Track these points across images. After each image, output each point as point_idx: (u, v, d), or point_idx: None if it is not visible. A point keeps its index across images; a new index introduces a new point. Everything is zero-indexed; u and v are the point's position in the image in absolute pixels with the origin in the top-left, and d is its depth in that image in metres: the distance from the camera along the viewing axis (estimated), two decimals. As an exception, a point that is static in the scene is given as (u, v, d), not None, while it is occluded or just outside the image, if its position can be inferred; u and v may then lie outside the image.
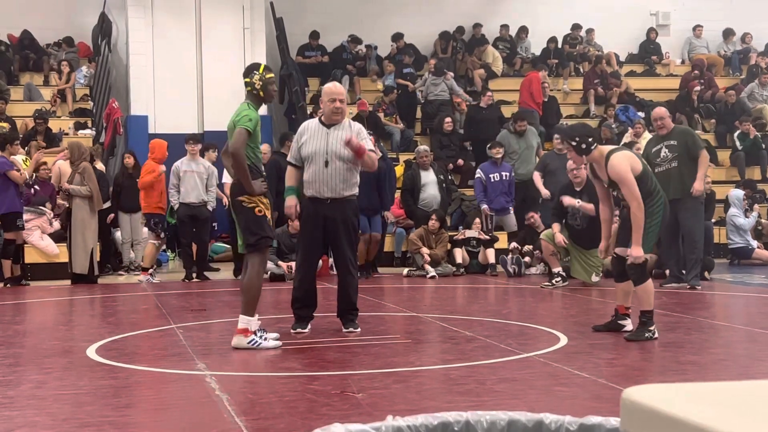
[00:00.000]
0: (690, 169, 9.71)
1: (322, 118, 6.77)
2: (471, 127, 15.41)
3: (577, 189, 10.16)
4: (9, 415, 4.26)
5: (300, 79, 16.24)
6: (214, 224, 13.00)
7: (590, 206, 9.61)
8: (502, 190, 12.31)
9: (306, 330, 6.70)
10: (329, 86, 6.85)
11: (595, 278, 10.09)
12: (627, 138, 15.22)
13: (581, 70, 18.61)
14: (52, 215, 12.28)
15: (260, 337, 6.04)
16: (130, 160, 12.70)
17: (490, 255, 11.94)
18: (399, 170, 13.86)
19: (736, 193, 13.51)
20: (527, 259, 11.68)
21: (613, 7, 19.31)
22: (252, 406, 4.41)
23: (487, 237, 12.12)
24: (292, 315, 6.81)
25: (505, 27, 18.71)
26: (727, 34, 19.89)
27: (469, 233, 12.22)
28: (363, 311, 7.21)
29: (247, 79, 6.23)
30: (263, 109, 6.56)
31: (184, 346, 6.18)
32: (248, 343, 5.96)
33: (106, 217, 12.37)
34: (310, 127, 6.76)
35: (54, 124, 15.09)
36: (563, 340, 6.17)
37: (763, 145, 16.31)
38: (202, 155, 12.02)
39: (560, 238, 10.12)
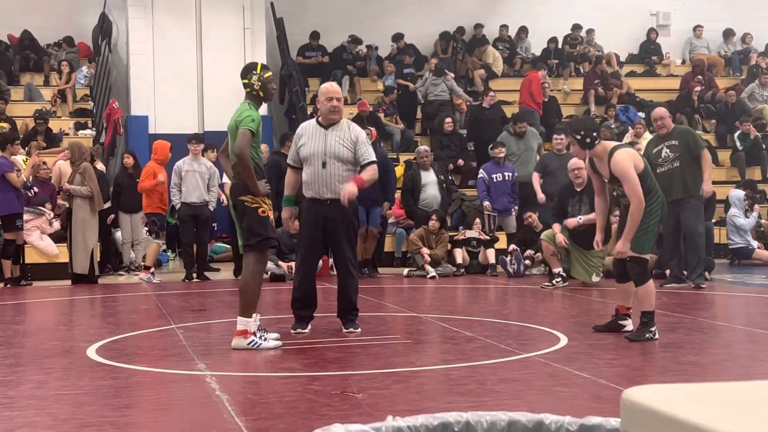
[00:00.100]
0: (692, 169, 9.69)
1: (320, 118, 6.76)
2: (473, 127, 15.42)
3: (578, 189, 10.16)
4: (9, 415, 4.26)
5: (300, 79, 16.24)
6: (213, 224, 13.00)
7: (592, 216, 9.63)
8: (504, 190, 12.30)
9: (306, 330, 6.70)
10: (326, 86, 6.84)
11: (595, 278, 10.09)
12: (627, 138, 15.22)
13: (581, 70, 18.61)
14: (52, 215, 12.28)
15: (260, 337, 6.03)
16: (129, 161, 12.70)
17: (491, 255, 11.94)
18: (399, 170, 13.87)
19: (737, 194, 13.50)
20: (527, 262, 11.67)
21: (613, 7, 19.31)
22: (252, 407, 4.41)
23: (488, 237, 12.12)
24: (292, 315, 6.81)
25: (504, 27, 18.72)
26: (728, 34, 19.89)
27: (469, 233, 12.22)
28: (363, 311, 7.21)
29: (246, 80, 6.22)
30: (263, 110, 6.57)
31: (184, 347, 6.18)
32: (248, 344, 5.95)
33: (106, 218, 12.37)
34: (307, 128, 6.75)
35: (54, 125, 15.10)
36: (563, 341, 6.17)
37: (764, 146, 16.31)
38: (203, 155, 12.02)
39: (561, 238, 10.12)
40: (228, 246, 13.51)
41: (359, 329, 6.69)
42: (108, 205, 12.14)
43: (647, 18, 20.01)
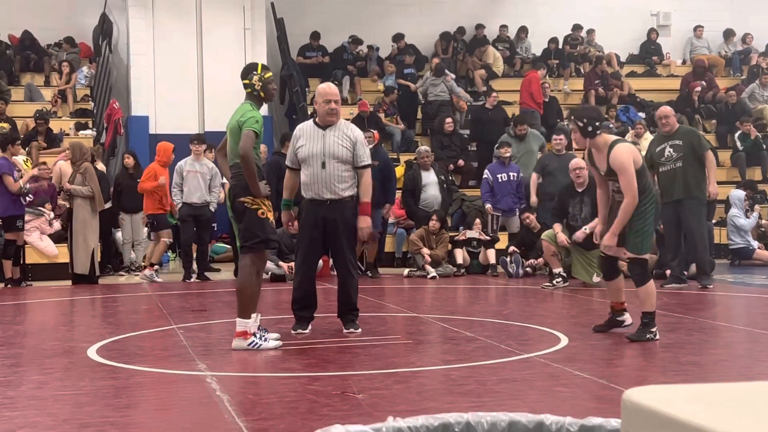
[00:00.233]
0: (694, 170, 9.67)
1: (317, 119, 6.75)
2: (476, 127, 15.43)
3: (579, 190, 10.15)
4: (10, 415, 4.26)
5: (301, 79, 16.24)
6: (213, 225, 13.00)
7: (595, 223, 9.62)
8: (509, 190, 12.28)
9: (306, 331, 6.70)
10: (323, 87, 6.79)
11: (596, 279, 10.08)
12: (628, 138, 15.22)
13: (582, 70, 18.60)
14: (52, 216, 12.28)
15: (260, 337, 6.03)
16: (130, 161, 12.71)
17: (491, 256, 11.94)
18: (400, 171, 13.87)
19: (737, 194, 13.50)
20: (528, 269, 11.65)
21: (613, 7, 19.31)
22: (252, 407, 4.41)
23: (488, 237, 12.12)
24: (292, 316, 6.81)
25: (504, 27, 18.72)
26: (728, 34, 19.88)
27: (469, 234, 12.22)
28: (363, 312, 7.21)
29: (246, 81, 6.22)
30: (263, 110, 6.57)
31: (184, 347, 6.18)
32: (248, 345, 5.95)
33: (107, 218, 12.37)
34: (305, 129, 6.73)
35: (55, 125, 15.10)
36: (564, 341, 6.17)
37: (764, 146, 16.30)
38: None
39: (563, 237, 10.12)
40: (228, 246, 13.51)
41: (360, 329, 6.69)
42: (109, 205, 12.15)
43: (648, 18, 20.01)
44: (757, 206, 13.95)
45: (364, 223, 6.70)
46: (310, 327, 6.76)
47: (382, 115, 15.70)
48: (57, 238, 12.19)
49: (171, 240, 12.07)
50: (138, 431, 4.09)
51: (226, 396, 4.55)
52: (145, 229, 12.83)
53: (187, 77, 15.32)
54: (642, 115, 17.16)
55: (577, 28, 19.02)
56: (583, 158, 9.78)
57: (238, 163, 6.06)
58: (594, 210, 8.80)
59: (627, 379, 4.91)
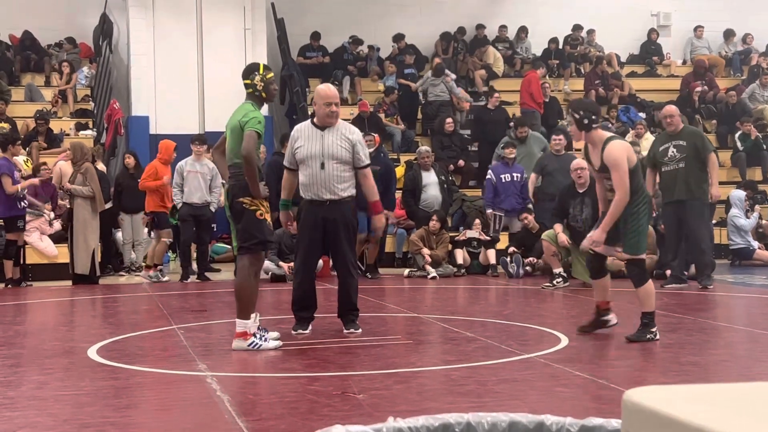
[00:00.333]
0: (697, 172, 9.65)
1: (315, 120, 6.72)
2: (478, 128, 15.44)
3: (580, 191, 10.14)
4: (10, 415, 4.26)
5: (301, 79, 16.25)
6: (213, 225, 13.01)
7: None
8: (513, 191, 12.24)
9: (307, 331, 6.69)
10: (323, 90, 6.73)
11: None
12: (629, 139, 15.21)
13: (582, 70, 18.61)
14: (52, 216, 12.28)
15: (260, 338, 6.03)
16: (130, 161, 12.72)
17: (491, 256, 11.94)
18: (400, 171, 13.86)
19: (737, 194, 13.50)
20: (528, 268, 11.64)
21: (614, 7, 19.31)
22: (253, 407, 4.41)
23: (488, 238, 12.12)
24: (292, 316, 6.81)
25: (504, 28, 18.73)
26: (728, 34, 19.88)
27: (469, 234, 12.22)
28: (364, 312, 7.21)
29: (248, 81, 6.21)
30: (264, 110, 6.57)
31: (185, 347, 6.18)
32: (248, 345, 5.95)
33: (109, 218, 12.37)
34: (303, 130, 6.70)
35: (55, 125, 15.10)
36: (564, 341, 6.16)
37: (764, 146, 16.30)
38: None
39: (563, 238, 10.12)
40: (229, 246, 13.52)
41: (360, 330, 6.69)
42: (109, 205, 12.16)
43: (648, 18, 20.01)
44: (757, 206, 13.95)
45: (380, 222, 6.81)
46: (310, 327, 6.76)
47: (382, 116, 15.70)
48: (57, 238, 12.19)
49: (171, 240, 12.08)
50: (138, 431, 4.09)
51: (227, 396, 4.55)
52: (146, 228, 12.84)
53: (188, 77, 15.33)
54: (642, 115, 17.16)
55: (577, 28, 19.02)
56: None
57: (237, 163, 6.05)
58: (595, 211, 8.80)
59: (627, 380, 4.91)
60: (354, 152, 6.60)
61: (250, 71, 6.24)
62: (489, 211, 12.33)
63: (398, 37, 17.64)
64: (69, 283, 11.41)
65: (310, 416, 4.08)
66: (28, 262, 11.73)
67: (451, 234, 12.40)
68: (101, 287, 11.14)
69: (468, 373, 5.12)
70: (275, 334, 6.29)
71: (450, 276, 11.72)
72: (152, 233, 12.38)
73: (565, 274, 10.17)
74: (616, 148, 6.13)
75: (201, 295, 10.20)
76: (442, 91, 16.19)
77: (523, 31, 18.92)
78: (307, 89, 16.15)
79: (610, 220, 6.14)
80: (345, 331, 6.69)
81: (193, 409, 4.40)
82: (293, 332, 6.63)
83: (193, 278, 11.73)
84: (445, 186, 12.86)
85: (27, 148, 13.55)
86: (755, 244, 13.37)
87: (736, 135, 16.37)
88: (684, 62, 19.73)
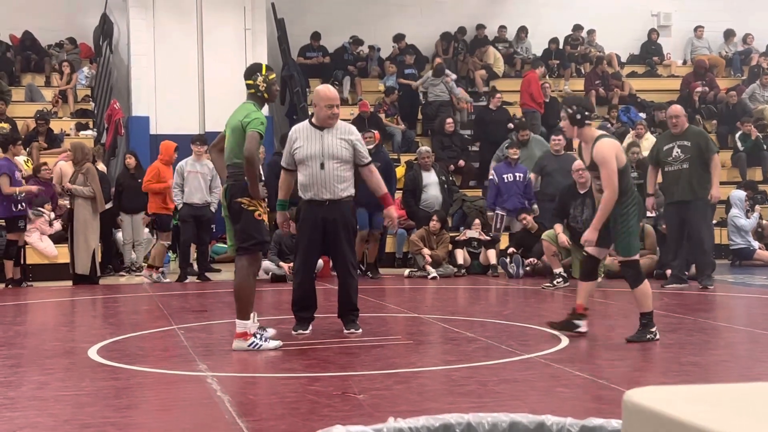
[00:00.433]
0: (700, 172, 9.63)
1: (314, 120, 6.71)
2: (479, 128, 15.44)
3: (581, 191, 10.14)
4: (10, 416, 4.26)
5: (301, 80, 16.25)
6: (212, 225, 13.02)
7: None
8: (516, 190, 12.24)
9: (307, 331, 6.70)
10: (324, 91, 6.70)
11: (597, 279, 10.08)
12: (629, 139, 15.20)
13: (582, 71, 18.61)
14: (53, 216, 12.28)
15: (260, 338, 6.03)
16: (131, 161, 12.72)
17: (492, 256, 11.94)
18: (400, 171, 13.86)
19: (738, 194, 13.49)
20: (528, 268, 11.64)
21: (614, 8, 19.31)
22: (253, 408, 4.42)
23: (488, 238, 12.12)
24: (293, 317, 6.81)
25: (503, 28, 18.73)
26: (729, 34, 19.88)
27: (469, 234, 12.22)
28: (364, 312, 7.21)
29: (250, 81, 6.20)
30: (264, 110, 6.55)
31: (185, 347, 6.18)
32: (249, 346, 5.95)
33: (109, 218, 12.38)
34: (302, 130, 6.68)
35: (55, 125, 15.10)
36: (564, 341, 6.16)
37: (765, 146, 16.29)
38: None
39: (564, 238, 10.12)
40: (229, 247, 13.51)
41: (360, 330, 6.69)
42: (109, 205, 12.16)
43: (648, 18, 20.01)
44: (757, 206, 13.94)
45: (394, 213, 6.78)
46: (310, 327, 6.76)
47: (382, 116, 15.70)
48: (57, 238, 12.19)
49: (169, 242, 12.10)
50: (139, 431, 4.10)
51: (227, 396, 4.55)
52: (146, 229, 12.84)
53: (188, 78, 15.33)
54: (643, 115, 17.16)
55: (577, 28, 19.02)
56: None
57: (237, 162, 6.05)
58: (595, 212, 8.79)
59: (628, 380, 4.91)
60: (355, 151, 6.60)
61: (252, 71, 6.24)
62: (489, 213, 12.33)
63: (398, 38, 17.63)
64: (69, 283, 11.41)
65: (311, 416, 4.08)
66: (28, 262, 11.73)
67: (451, 234, 12.40)
68: (101, 287, 11.15)
69: (468, 374, 5.12)
70: (272, 331, 6.29)
71: (450, 276, 11.72)
72: (155, 234, 12.39)
73: (565, 275, 10.16)
74: (605, 146, 6.14)
75: (201, 295, 10.20)
76: (441, 91, 16.19)
77: (522, 31, 18.92)
78: (307, 89, 16.15)
79: (600, 219, 6.14)
80: (345, 331, 6.69)
81: (193, 410, 4.40)
82: (293, 332, 6.63)
83: (193, 278, 11.73)
84: (446, 186, 12.86)
85: (27, 149, 13.54)
86: (755, 244, 13.36)
87: (737, 135, 16.37)
88: (684, 62, 19.72)
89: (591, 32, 19.22)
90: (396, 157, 14.97)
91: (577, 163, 10.29)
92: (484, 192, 13.96)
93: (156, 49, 15.66)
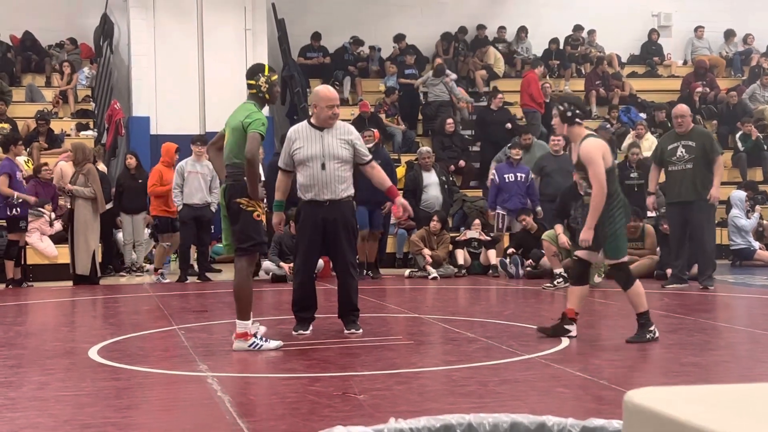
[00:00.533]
0: (704, 173, 9.61)
1: (313, 120, 6.70)
2: (480, 128, 15.45)
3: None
4: (11, 416, 4.26)
5: (302, 80, 16.25)
6: (212, 225, 13.03)
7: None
8: (517, 190, 12.23)
9: (307, 332, 6.70)
10: (324, 92, 6.70)
11: (597, 279, 10.08)
12: (629, 139, 15.21)
13: (583, 71, 18.61)
14: (53, 217, 12.28)
15: (260, 337, 6.03)
16: (132, 161, 12.73)
17: (492, 256, 11.94)
18: (401, 171, 13.87)
19: (738, 195, 13.50)
20: (528, 268, 11.63)
21: (614, 8, 19.32)
22: (254, 408, 4.42)
23: (488, 238, 12.12)
24: (293, 317, 6.81)
25: (503, 29, 18.74)
26: (729, 35, 19.88)
27: (469, 234, 12.22)
28: (364, 312, 7.21)
29: (252, 81, 6.20)
30: (264, 110, 6.55)
31: (185, 348, 6.19)
32: (249, 346, 5.95)
33: (110, 218, 12.38)
34: (301, 131, 6.66)
35: (56, 125, 15.11)
36: (565, 342, 6.16)
37: (765, 147, 16.30)
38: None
39: (564, 239, 10.12)
40: (229, 247, 13.51)
41: (361, 330, 6.69)
42: (110, 206, 12.17)
43: (648, 19, 20.02)
44: (758, 207, 13.95)
45: (403, 201, 6.86)
46: (311, 328, 6.76)
47: (383, 116, 15.70)
48: (58, 238, 12.19)
49: (169, 244, 12.11)
50: (139, 432, 4.10)
51: (228, 397, 4.55)
52: (147, 230, 12.84)
53: (188, 78, 15.34)
54: (643, 115, 17.17)
55: (578, 28, 19.03)
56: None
57: (237, 163, 6.05)
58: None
59: (628, 381, 4.91)
60: (355, 151, 6.61)
61: (254, 72, 6.24)
62: (491, 212, 12.32)
63: (399, 38, 17.64)
64: (70, 283, 11.42)
65: (311, 417, 4.08)
66: (28, 262, 11.74)
67: (451, 234, 12.40)
68: (102, 288, 11.15)
69: (469, 374, 5.12)
70: (263, 328, 6.30)
71: (451, 276, 11.72)
72: (153, 237, 12.41)
73: (565, 275, 10.15)
74: (591, 145, 6.16)
75: (201, 295, 10.20)
76: (441, 91, 16.19)
77: (522, 30, 18.92)
78: (307, 90, 16.16)
79: (593, 217, 6.13)
80: (346, 331, 6.69)
81: (194, 410, 4.40)
82: (294, 333, 6.63)
83: (193, 279, 11.73)
84: (446, 186, 12.86)
85: (28, 149, 13.55)
86: (756, 244, 13.37)
87: (737, 135, 16.38)
88: (685, 63, 19.73)
89: (591, 32, 19.23)
90: (396, 157, 14.97)
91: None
92: (484, 192, 13.96)
93: (156, 49, 15.66)
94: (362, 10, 18.21)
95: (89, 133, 15.31)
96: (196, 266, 12.08)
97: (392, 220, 12.81)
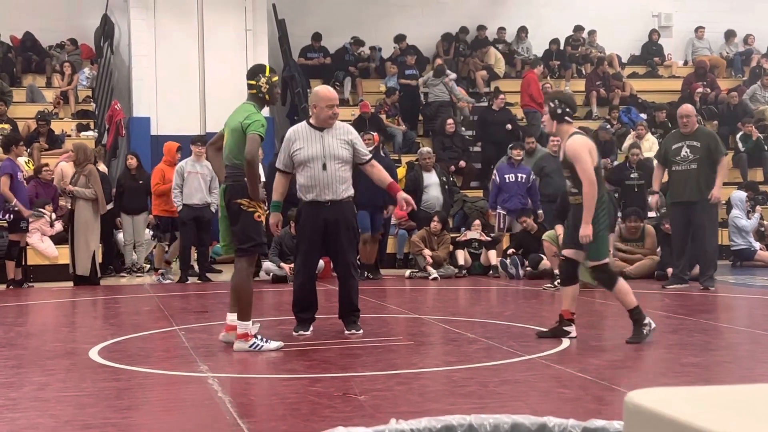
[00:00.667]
0: (708, 173, 9.60)
1: (312, 120, 6.70)
2: (482, 129, 15.45)
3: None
4: (12, 417, 4.26)
5: (302, 80, 16.25)
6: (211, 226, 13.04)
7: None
8: (517, 191, 12.23)
9: (308, 332, 6.70)
10: (324, 92, 6.70)
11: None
12: (630, 140, 15.21)
13: (583, 71, 18.61)
14: (54, 217, 12.28)
15: (261, 338, 6.03)
16: (133, 162, 12.73)
17: (492, 257, 11.94)
18: (401, 172, 13.86)
19: (739, 195, 13.49)
20: (529, 268, 11.62)
21: (615, 8, 19.32)
22: (254, 408, 4.42)
23: (488, 238, 12.12)
24: (293, 317, 6.81)
25: (503, 30, 18.74)
26: (729, 35, 19.89)
27: (470, 234, 12.22)
28: (365, 313, 7.21)
29: (252, 81, 6.20)
30: (265, 111, 6.54)
31: (186, 348, 6.19)
32: (250, 347, 5.95)
33: (110, 219, 12.39)
34: (301, 132, 6.65)
35: (56, 126, 15.11)
36: (565, 342, 6.16)
37: (766, 147, 16.30)
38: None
39: (564, 239, 10.10)
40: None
41: (361, 331, 6.69)
42: (110, 206, 12.17)
43: (649, 19, 20.02)
44: (758, 207, 13.94)
45: (405, 195, 6.72)
46: (311, 328, 6.76)
47: (383, 116, 15.70)
48: (58, 239, 12.19)
49: (167, 243, 12.11)
50: (140, 433, 4.10)
51: (228, 397, 4.55)
52: (147, 230, 12.84)
53: (189, 78, 15.35)
54: (643, 116, 17.16)
55: (578, 29, 19.03)
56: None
57: (237, 164, 6.05)
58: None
59: (629, 381, 4.91)
60: (355, 150, 6.62)
61: (255, 72, 6.24)
62: (491, 211, 12.31)
63: (399, 38, 17.64)
64: (70, 284, 11.42)
65: (312, 418, 4.08)
66: (29, 263, 11.74)
67: (452, 235, 12.40)
68: (102, 288, 11.15)
69: (470, 375, 5.12)
70: (256, 325, 6.30)
71: (451, 277, 11.72)
72: (155, 238, 12.41)
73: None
74: (576, 142, 6.18)
75: (202, 296, 10.20)
76: (441, 91, 16.19)
77: (523, 31, 18.93)
78: (308, 90, 16.16)
79: (588, 212, 6.13)
80: (346, 332, 6.69)
81: (194, 411, 4.41)
82: (294, 333, 6.63)
83: (194, 279, 11.74)
84: (447, 187, 12.86)
85: (28, 150, 13.55)
86: (756, 245, 13.36)
87: (738, 136, 16.37)
88: (685, 63, 19.73)
89: (592, 33, 19.23)
90: (397, 157, 14.97)
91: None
92: (485, 193, 13.97)
93: (157, 49, 15.66)
94: (363, 11, 18.21)
95: (90, 133, 15.32)
96: (196, 267, 12.08)
97: (393, 221, 12.81)
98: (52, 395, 4.75)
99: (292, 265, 10.21)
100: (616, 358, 5.78)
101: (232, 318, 6.15)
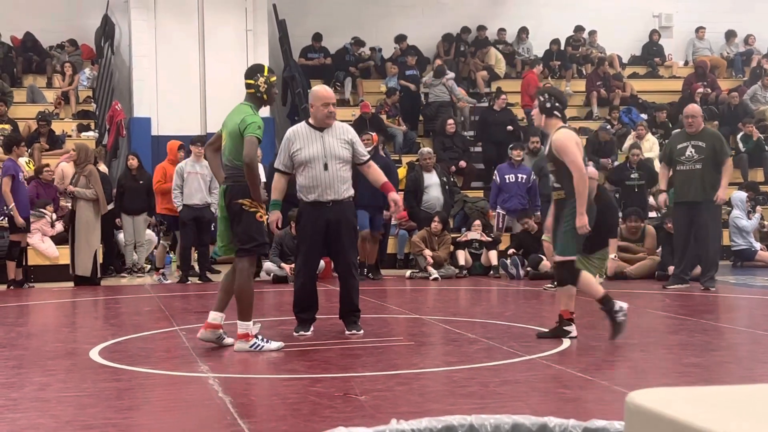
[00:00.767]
0: (712, 174, 9.58)
1: (311, 120, 6.69)
2: (483, 129, 15.46)
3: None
4: (13, 417, 4.26)
5: (303, 81, 16.25)
6: (212, 226, 13.03)
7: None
8: (517, 191, 12.25)
9: (308, 332, 6.70)
10: (321, 91, 6.71)
11: (597, 279, 10.07)
12: (630, 140, 15.21)
13: (584, 72, 18.61)
14: (55, 217, 12.29)
15: (261, 339, 6.04)
16: (134, 162, 12.73)
17: (493, 257, 11.94)
18: (402, 172, 13.86)
19: (739, 195, 13.49)
20: (529, 268, 11.62)
21: (615, 9, 19.32)
22: (255, 409, 4.42)
23: (489, 239, 12.12)
24: (294, 318, 6.81)
25: (503, 31, 18.74)
26: (730, 35, 19.88)
27: (470, 235, 12.22)
28: (366, 313, 7.21)
29: (251, 81, 6.20)
30: (266, 111, 6.56)
31: (186, 348, 6.19)
32: (250, 347, 5.96)
33: (111, 219, 12.40)
34: (300, 132, 6.65)
35: (57, 126, 15.12)
36: (566, 342, 6.16)
37: (766, 147, 16.29)
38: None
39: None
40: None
41: (362, 331, 6.69)
42: (111, 206, 12.17)
43: (649, 19, 20.02)
44: (759, 207, 13.94)
45: (398, 196, 6.76)
46: (312, 329, 6.76)
47: (384, 117, 15.70)
48: (59, 239, 12.20)
49: (170, 242, 12.12)
50: (140, 433, 4.10)
51: (229, 398, 4.55)
52: (148, 230, 12.84)
53: (189, 79, 15.35)
54: (644, 116, 17.16)
55: (579, 29, 19.03)
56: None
57: (237, 164, 6.05)
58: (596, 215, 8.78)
59: (630, 381, 4.90)
60: (354, 150, 6.62)
61: (253, 72, 6.24)
62: (491, 212, 12.32)
63: (400, 38, 17.64)
64: (71, 284, 11.42)
65: (312, 418, 4.08)
66: (30, 263, 11.75)
67: (452, 235, 12.40)
68: (103, 288, 11.15)
69: (470, 375, 5.12)
70: (257, 326, 6.30)
71: (452, 277, 11.72)
72: (160, 235, 12.43)
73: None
74: (562, 135, 6.19)
75: (202, 296, 10.20)
76: (441, 91, 16.20)
77: (523, 31, 18.93)
78: (308, 91, 16.16)
79: (581, 203, 6.13)
80: (347, 332, 6.69)
81: (195, 411, 4.41)
82: (295, 334, 6.63)
83: (194, 279, 11.74)
84: (447, 187, 12.86)
85: (29, 150, 13.55)
86: (757, 245, 13.36)
87: (738, 136, 16.37)
88: (686, 63, 19.72)
89: (592, 33, 19.23)
90: (397, 158, 14.97)
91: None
92: (485, 193, 13.97)
93: (157, 50, 15.67)
94: (363, 11, 18.22)
95: (90, 134, 15.32)
96: (196, 267, 12.08)
97: (393, 221, 12.81)
98: (53, 395, 4.76)
99: (293, 266, 10.22)
100: (617, 358, 5.78)
101: (214, 317, 6.14)
